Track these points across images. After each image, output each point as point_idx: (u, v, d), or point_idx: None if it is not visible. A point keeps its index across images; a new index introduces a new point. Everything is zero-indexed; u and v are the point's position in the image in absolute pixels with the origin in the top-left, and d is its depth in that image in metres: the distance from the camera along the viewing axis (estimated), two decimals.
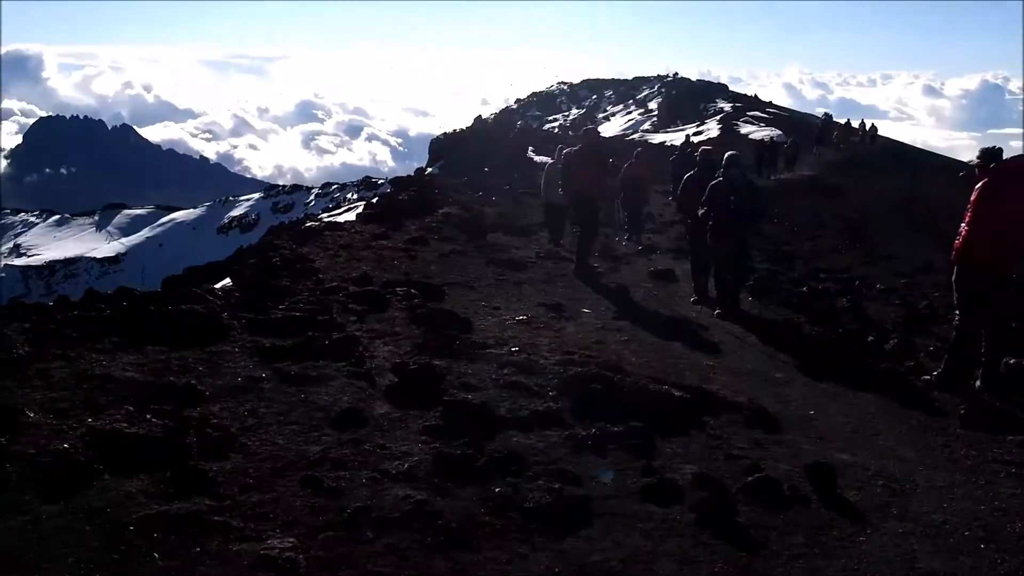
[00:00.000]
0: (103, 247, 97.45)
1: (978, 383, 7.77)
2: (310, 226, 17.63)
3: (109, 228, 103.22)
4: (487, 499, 4.49)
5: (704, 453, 5.61)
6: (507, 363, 6.87)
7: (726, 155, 10.97)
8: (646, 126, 79.19)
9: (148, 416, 5.01)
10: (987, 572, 4.38)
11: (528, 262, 12.86)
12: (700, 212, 10.85)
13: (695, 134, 55.21)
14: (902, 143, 63.53)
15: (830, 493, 5.14)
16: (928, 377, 8.11)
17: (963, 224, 7.77)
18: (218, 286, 10.26)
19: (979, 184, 7.70)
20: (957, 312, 7.97)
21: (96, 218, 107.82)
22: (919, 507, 5.12)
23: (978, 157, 7.94)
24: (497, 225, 17.08)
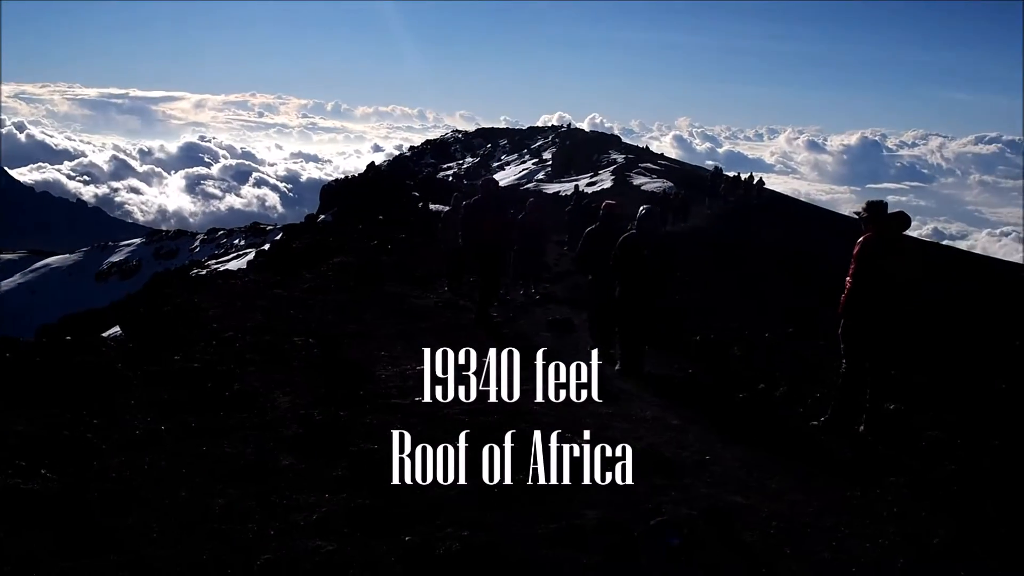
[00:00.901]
0: None
1: (862, 428, 8.08)
2: (202, 274, 17.32)
3: None
4: (398, 548, 4.51)
5: (607, 499, 5.71)
6: (413, 413, 6.90)
7: (642, 208, 10.48)
8: (540, 176, 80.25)
9: (44, 472, 4.87)
10: None
11: (427, 311, 12.88)
12: (611, 265, 10.39)
13: (588, 184, 56.24)
14: (787, 196, 65.92)
15: (727, 536, 5.31)
16: (816, 423, 8.38)
17: (848, 277, 8.12)
18: (107, 335, 10.00)
19: (862, 238, 8.06)
20: (843, 360, 8.31)
21: None
22: (810, 547, 5.33)
23: (864, 210, 8.22)
24: (394, 274, 17.05)
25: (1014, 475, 7.08)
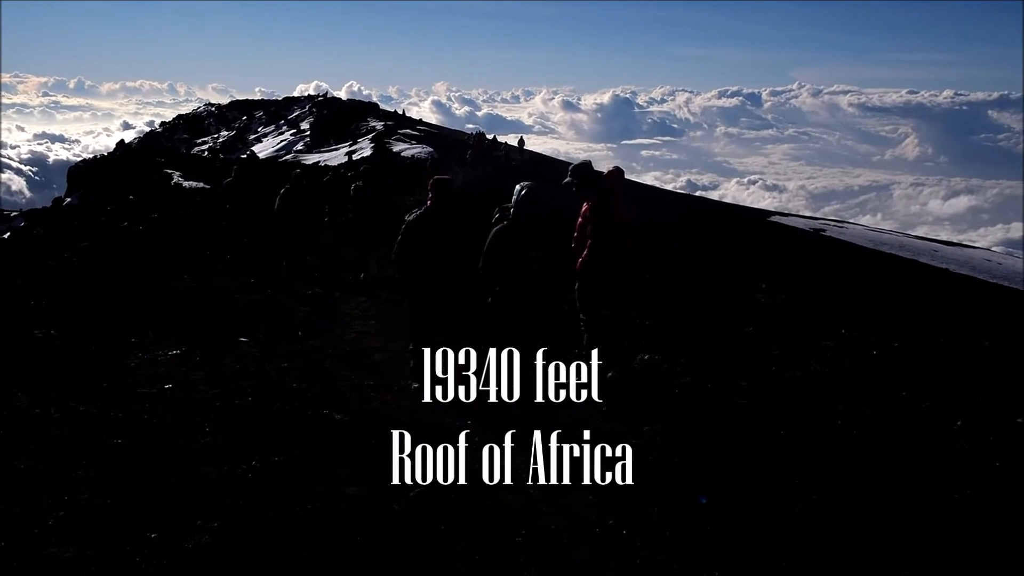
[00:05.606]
0: None
1: (609, 374, 8.37)
2: None
3: None
4: (143, 547, 4.34)
5: (366, 475, 5.66)
6: (161, 401, 6.63)
7: (520, 188, 7.49)
8: (299, 147, 78.32)
9: None
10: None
11: (181, 293, 12.31)
12: (482, 266, 7.64)
13: (348, 153, 55.47)
14: (545, 156, 67.27)
15: (492, 500, 5.42)
16: None
17: (575, 233, 8.24)
18: None
19: (586, 204, 8.16)
20: (581, 316, 8.39)
21: None
22: (568, 503, 5.51)
23: (572, 177, 8.16)
24: (146, 256, 16.15)
25: (762, 414, 7.63)
